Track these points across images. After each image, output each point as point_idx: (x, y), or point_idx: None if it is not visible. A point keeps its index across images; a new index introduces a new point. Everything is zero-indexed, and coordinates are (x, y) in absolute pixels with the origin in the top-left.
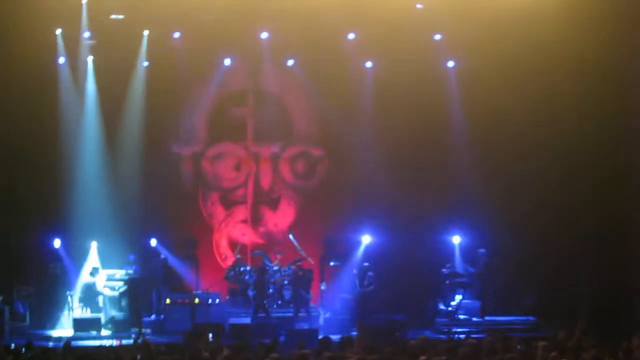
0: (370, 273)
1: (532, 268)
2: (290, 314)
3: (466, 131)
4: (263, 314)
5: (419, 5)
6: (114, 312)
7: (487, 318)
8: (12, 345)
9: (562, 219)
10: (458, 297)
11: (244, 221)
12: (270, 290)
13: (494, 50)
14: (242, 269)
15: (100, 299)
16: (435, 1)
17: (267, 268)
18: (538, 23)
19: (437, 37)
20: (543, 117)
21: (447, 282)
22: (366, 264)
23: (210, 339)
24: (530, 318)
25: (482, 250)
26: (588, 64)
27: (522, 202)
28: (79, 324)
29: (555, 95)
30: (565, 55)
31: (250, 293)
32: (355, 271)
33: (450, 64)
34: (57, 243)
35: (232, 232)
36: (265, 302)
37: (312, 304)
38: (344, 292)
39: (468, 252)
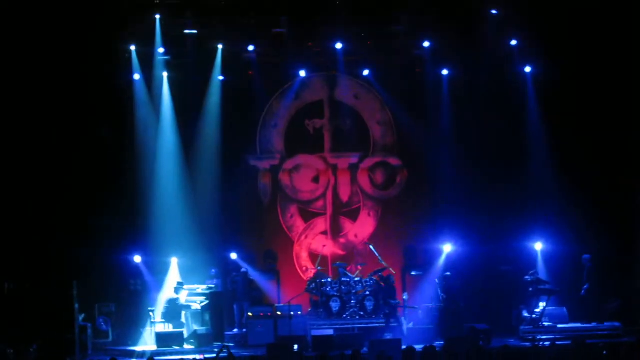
0: (450, 282)
1: (617, 272)
2: (374, 325)
3: (546, 137)
4: (393, 323)
5: (493, 11)
6: (196, 327)
7: (571, 325)
8: None
9: None
10: (542, 304)
11: (324, 233)
12: (353, 301)
13: (572, 53)
14: (323, 280)
15: (183, 313)
16: (510, 6)
17: (348, 279)
18: (619, 23)
19: (514, 42)
20: (626, 120)
21: (531, 289)
22: (448, 273)
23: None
24: (616, 324)
25: (586, 256)
26: None
27: (605, 206)
28: (161, 339)
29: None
30: None
31: (334, 305)
32: (437, 280)
33: (528, 69)
34: (137, 259)
35: (312, 244)
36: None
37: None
38: (427, 302)
39: (551, 259)
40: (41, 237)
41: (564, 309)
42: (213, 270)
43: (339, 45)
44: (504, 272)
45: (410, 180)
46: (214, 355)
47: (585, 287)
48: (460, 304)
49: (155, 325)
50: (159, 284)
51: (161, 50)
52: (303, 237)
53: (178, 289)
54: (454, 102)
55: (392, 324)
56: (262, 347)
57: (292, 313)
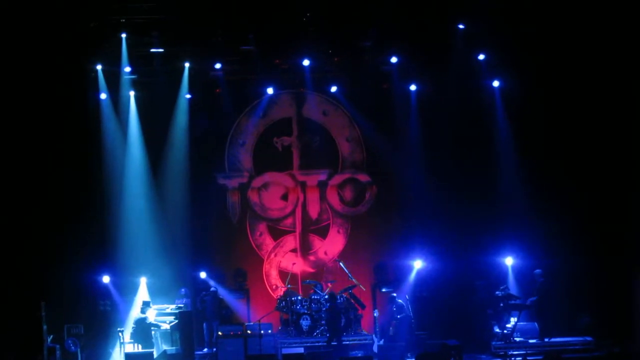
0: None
1: (588, 287)
2: (345, 342)
3: (515, 151)
4: (335, 342)
5: (460, 26)
6: (165, 347)
7: (546, 340)
8: None
9: (617, 237)
10: (513, 320)
11: (294, 250)
12: (323, 319)
13: (540, 67)
14: (293, 298)
15: (153, 333)
16: (477, 21)
17: (318, 296)
18: (586, 37)
19: (481, 56)
20: (594, 134)
21: (502, 304)
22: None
23: None
24: (588, 338)
25: (538, 271)
26: None
27: (575, 220)
28: (131, 359)
29: (606, 111)
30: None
31: (304, 322)
32: (407, 297)
33: (496, 83)
34: (106, 280)
35: (281, 262)
36: (339, 328)
37: (364, 331)
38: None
39: (522, 274)
40: (9, 257)
41: (535, 324)
42: (182, 290)
43: (306, 62)
44: (475, 287)
45: (380, 196)
46: None
47: (534, 299)
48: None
49: (125, 345)
50: (128, 304)
51: (128, 69)
52: (272, 255)
53: (144, 309)
54: (422, 117)
55: (334, 343)
56: None
57: (262, 332)
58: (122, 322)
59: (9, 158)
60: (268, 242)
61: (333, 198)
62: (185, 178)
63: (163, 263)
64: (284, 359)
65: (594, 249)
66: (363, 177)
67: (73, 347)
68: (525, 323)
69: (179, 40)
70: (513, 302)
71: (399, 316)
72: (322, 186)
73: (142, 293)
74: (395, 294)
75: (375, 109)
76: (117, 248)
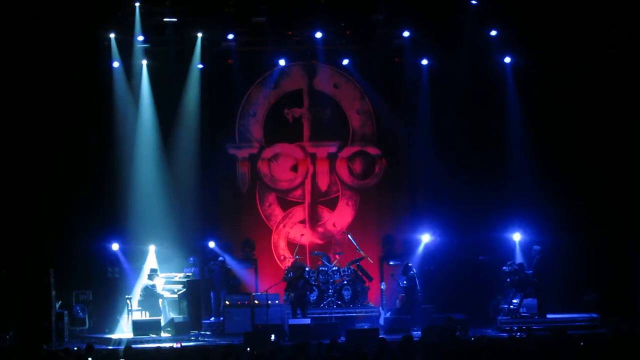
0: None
1: (596, 264)
2: (351, 314)
3: (525, 127)
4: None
5: (473, 1)
6: (173, 315)
7: (549, 316)
8: (75, 347)
9: (624, 214)
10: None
11: (302, 222)
12: (330, 290)
13: (552, 44)
14: None
15: (160, 301)
16: None
17: (326, 268)
18: (599, 14)
19: (493, 32)
20: (604, 111)
21: (509, 280)
22: (409, 263)
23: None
24: (594, 315)
25: (536, 247)
26: None
27: (583, 197)
28: (138, 326)
29: (618, 88)
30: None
31: (310, 294)
32: (414, 270)
33: (507, 59)
34: (115, 247)
35: (290, 233)
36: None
37: (370, 303)
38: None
39: (529, 250)
40: (18, 224)
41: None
42: (191, 259)
43: (318, 35)
44: (482, 262)
45: (389, 169)
46: (191, 343)
47: (529, 272)
48: (418, 291)
49: (132, 313)
50: (137, 272)
51: (141, 38)
52: (281, 226)
53: (151, 276)
54: (433, 91)
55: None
56: (239, 335)
57: (269, 302)
58: (130, 290)
59: (20, 126)
60: (277, 212)
61: (343, 170)
62: (196, 147)
63: (172, 232)
64: (290, 330)
65: (602, 226)
66: (373, 150)
67: (81, 314)
68: (532, 299)
69: (192, 10)
70: (520, 277)
71: (402, 284)
72: (332, 158)
73: (151, 261)
74: (411, 264)
75: (386, 83)
76: (127, 216)
